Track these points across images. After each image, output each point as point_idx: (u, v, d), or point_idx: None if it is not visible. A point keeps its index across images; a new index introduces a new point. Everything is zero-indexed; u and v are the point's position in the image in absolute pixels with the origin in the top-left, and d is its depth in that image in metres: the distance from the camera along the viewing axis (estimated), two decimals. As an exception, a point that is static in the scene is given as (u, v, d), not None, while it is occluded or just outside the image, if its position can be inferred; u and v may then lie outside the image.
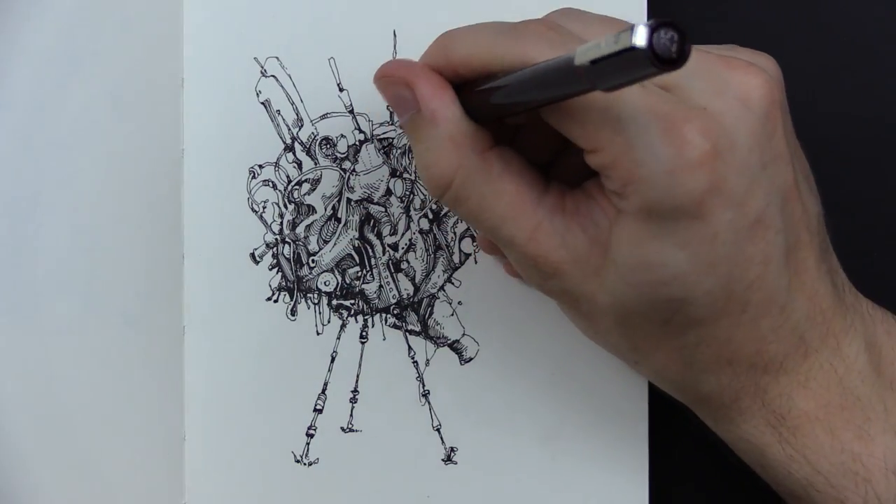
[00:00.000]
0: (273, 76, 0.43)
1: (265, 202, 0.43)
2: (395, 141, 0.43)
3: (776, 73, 0.34)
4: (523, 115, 0.34)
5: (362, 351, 0.43)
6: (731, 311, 0.32)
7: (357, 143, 0.43)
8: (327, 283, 0.43)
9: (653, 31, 0.24)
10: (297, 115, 0.43)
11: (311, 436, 0.43)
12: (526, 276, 0.35)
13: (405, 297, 0.43)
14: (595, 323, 0.35)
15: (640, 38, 0.24)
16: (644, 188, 0.30)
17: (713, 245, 0.31)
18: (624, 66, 0.25)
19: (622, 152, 0.30)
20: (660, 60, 0.24)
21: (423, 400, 0.43)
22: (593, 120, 0.31)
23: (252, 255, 0.43)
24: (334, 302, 0.43)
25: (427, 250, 0.43)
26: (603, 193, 0.33)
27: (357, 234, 0.43)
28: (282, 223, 0.43)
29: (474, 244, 0.43)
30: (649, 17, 0.42)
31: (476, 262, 0.43)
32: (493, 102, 0.33)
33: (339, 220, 0.43)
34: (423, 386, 0.43)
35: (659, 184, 0.30)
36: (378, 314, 0.43)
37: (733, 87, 0.32)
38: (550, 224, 0.33)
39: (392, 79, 0.35)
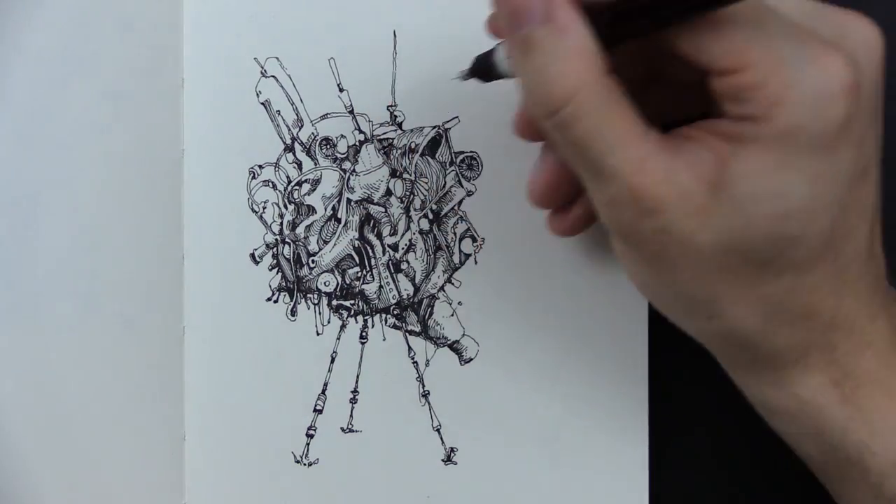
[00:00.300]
0: (273, 76, 0.43)
1: (265, 202, 0.43)
2: (395, 141, 0.43)
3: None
4: (645, 42, 0.33)
5: (362, 351, 0.43)
6: (826, 258, 0.32)
7: (357, 143, 0.43)
8: (327, 284, 0.43)
9: None
10: (297, 115, 0.43)
11: (311, 436, 0.43)
12: (615, 215, 0.33)
13: (405, 297, 0.43)
14: (677, 271, 0.33)
15: None
16: (788, 111, 0.30)
17: (836, 183, 0.31)
18: None
19: (773, 71, 0.30)
20: None
21: (423, 400, 0.43)
22: (743, 36, 0.30)
23: (252, 255, 0.43)
24: (334, 302, 0.43)
25: (427, 251, 0.43)
26: (711, 129, 0.32)
27: (357, 235, 0.43)
28: (282, 223, 0.43)
29: (474, 244, 0.43)
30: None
31: (476, 263, 0.43)
32: (623, 21, 0.32)
33: (339, 221, 0.43)
34: (423, 386, 0.43)
35: (807, 107, 0.30)
36: (378, 314, 0.43)
37: (857, 32, 0.32)
38: (657, 157, 0.32)
39: None
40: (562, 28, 0.32)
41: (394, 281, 0.43)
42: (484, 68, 0.36)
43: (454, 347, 0.43)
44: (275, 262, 0.43)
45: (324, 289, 0.43)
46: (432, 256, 0.43)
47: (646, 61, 0.36)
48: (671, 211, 0.32)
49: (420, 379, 0.43)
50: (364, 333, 0.43)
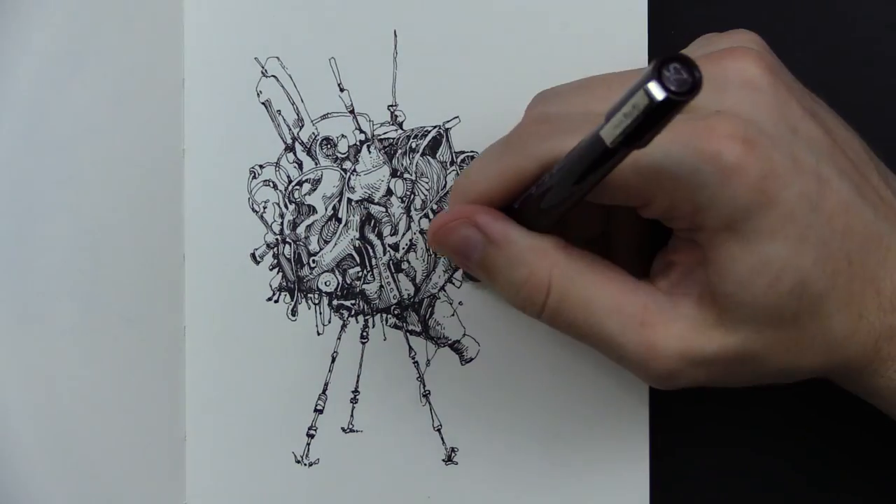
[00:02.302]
0: (274, 76, 0.43)
1: (266, 202, 0.43)
2: (396, 141, 0.43)
3: (759, 42, 0.35)
4: (571, 210, 0.34)
5: (363, 351, 0.43)
6: (840, 268, 0.33)
7: (358, 143, 0.43)
8: (328, 284, 0.43)
9: (659, 75, 0.25)
10: (297, 115, 0.43)
11: (312, 436, 0.43)
12: (640, 375, 0.35)
13: (406, 297, 0.43)
14: (733, 379, 0.34)
15: (656, 91, 0.25)
16: (711, 214, 0.31)
17: (795, 221, 0.31)
18: (651, 120, 0.26)
19: (672, 191, 0.31)
20: (680, 94, 0.25)
21: (424, 400, 0.43)
22: (633, 179, 0.31)
23: (252, 255, 0.43)
24: (335, 302, 0.43)
25: (428, 250, 0.43)
26: (676, 251, 0.33)
27: (358, 235, 0.43)
28: (282, 223, 0.43)
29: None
30: (649, 15, 0.42)
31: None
32: (541, 209, 0.33)
33: (339, 221, 0.43)
34: (424, 386, 0.43)
35: (720, 201, 0.31)
36: (379, 314, 0.43)
37: (731, 78, 0.32)
38: (655, 302, 0.33)
39: (450, 226, 0.35)
40: (505, 238, 0.33)
41: (394, 281, 0.43)
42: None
43: (455, 347, 0.43)
44: (275, 261, 0.43)
45: (324, 288, 0.43)
46: (433, 256, 0.43)
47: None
48: (691, 349, 0.33)
49: (421, 379, 0.43)
50: (365, 333, 0.43)
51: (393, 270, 0.43)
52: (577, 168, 0.30)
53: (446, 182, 0.43)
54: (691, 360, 0.33)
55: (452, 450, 0.43)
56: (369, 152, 0.43)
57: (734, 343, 0.33)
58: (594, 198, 0.32)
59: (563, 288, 0.33)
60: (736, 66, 0.33)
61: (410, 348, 0.43)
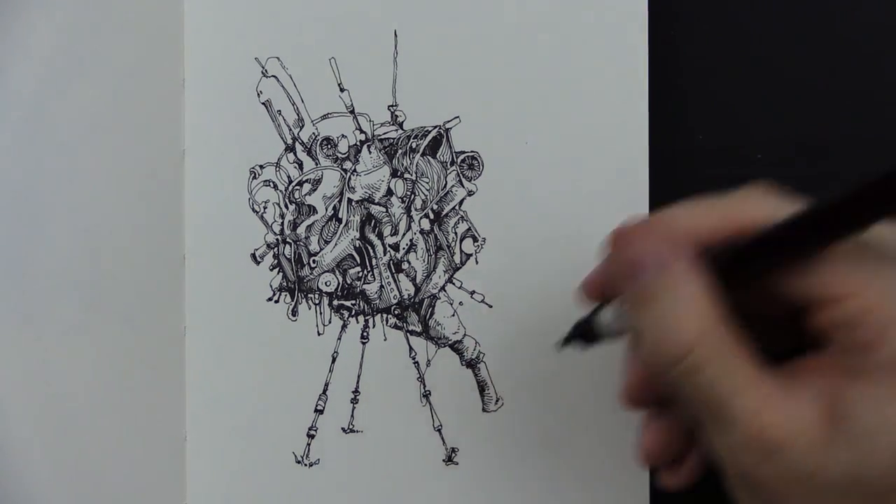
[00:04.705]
0: (274, 76, 0.43)
1: (266, 202, 0.43)
2: (397, 141, 0.43)
3: None
4: (756, 283, 0.33)
5: (363, 351, 0.43)
6: None
7: (358, 143, 0.43)
8: (328, 284, 0.43)
9: None
10: (297, 115, 0.43)
11: (312, 436, 0.43)
12: (736, 460, 0.33)
13: (406, 297, 0.43)
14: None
15: None
16: (887, 344, 0.30)
17: None
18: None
19: (880, 294, 0.30)
20: None
21: (424, 400, 0.43)
22: (846, 264, 0.30)
23: (253, 255, 0.43)
24: (335, 302, 0.43)
25: (428, 251, 0.43)
26: (821, 362, 0.32)
27: (358, 235, 0.43)
28: (283, 223, 0.43)
29: (475, 244, 0.43)
30: (649, 15, 0.42)
31: (477, 263, 0.43)
32: (735, 268, 0.32)
33: (339, 221, 0.43)
34: (424, 386, 0.43)
35: None
36: (379, 314, 0.43)
37: None
38: (776, 398, 0.32)
39: (633, 237, 0.33)
40: (678, 277, 0.32)
41: (395, 281, 0.43)
42: (585, 333, 0.36)
43: (455, 348, 0.43)
44: (276, 262, 0.43)
45: (325, 289, 0.43)
46: (433, 256, 0.43)
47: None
48: (793, 452, 0.32)
49: (421, 379, 0.43)
50: (365, 333, 0.43)
51: (393, 270, 0.43)
52: (813, 217, 0.30)
53: (446, 182, 0.43)
54: (784, 468, 0.32)
55: (453, 450, 0.43)
56: (369, 152, 0.43)
57: (826, 476, 0.31)
58: (794, 279, 0.32)
59: (706, 354, 0.32)
60: None
61: (411, 348, 0.43)
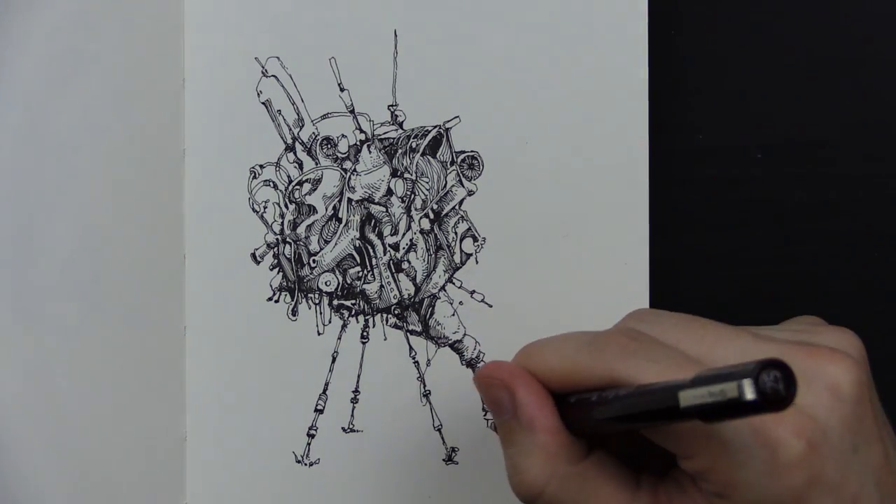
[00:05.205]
0: (274, 76, 0.43)
1: (266, 202, 0.43)
2: (397, 141, 0.43)
3: (860, 352, 0.34)
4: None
5: (363, 351, 0.43)
6: None
7: (358, 143, 0.43)
8: (328, 283, 0.43)
9: (757, 378, 0.25)
10: (297, 114, 0.43)
11: (312, 436, 0.43)
12: None
13: (406, 297, 0.43)
14: None
15: (749, 391, 0.25)
16: (743, 490, 0.31)
17: None
18: (732, 411, 0.26)
19: (718, 457, 0.31)
20: (769, 403, 0.25)
21: (424, 400, 0.43)
22: (686, 433, 0.31)
23: (253, 255, 0.43)
24: (335, 302, 0.43)
25: (428, 250, 0.43)
26: (696, 487, 0.33)
27: (358, 235, 0.43)
28: (282, 223, 0.43)
29: (475, 244, 0.43)
30: (649, 15, 0.42)
31: (477, 263, 0.43)
32: (590, 418, 0.33)
33: (339, 220, 0.43)
34: (424, 386, 0.43)
35: (758, 485, 0.31)
36: (379, 314, 0.43)
37: (820, 378, 0.32)
38: None
39: (492, 381, 0.35)
40: (529, 425, 0.34)
41: (395, 280, 0.43)
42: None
43: (455, 347, 0.43)
44: (276, 261, 0.43)
45: (325, 288, 0.43)
46: (433, 256, 0.43)
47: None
48: None
49: (421, 379, 0.43)
50: (365, 333, 0.43)
51: (393, 270, 0.43)
52: (642, 406, 0.30)
53: (446, 182, 0.43)
54: None
55: (453, 450, 0.43)
56: (369, 152, 0.43)
57: None
58: (649, 432, 0.33)
59: (555, 497, 0.33)
60: (829, 369, 0.32)
61: (411, 348, 0.43)
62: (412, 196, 0.43)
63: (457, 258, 0.43)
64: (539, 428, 0.34)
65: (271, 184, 0.43)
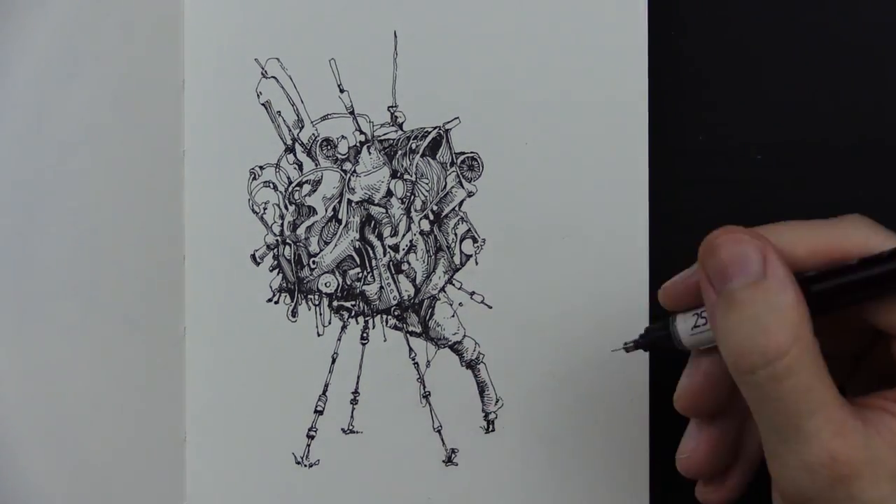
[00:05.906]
0: (274, 77, 0.43)
1: (266, 203, 0.43)
2: (396, 142, 0.43)
3: None
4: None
5: (363, 352, 0.43)
6: None
7: (358, 144, 0.43)
8: (328, 285, 0.43)
9: None
10: (297, 116, 0.43)
11: (312, 437, 0.43)
12: (805, 481, 0.33)
13: (406, 298, 0.43)
14: None
15: None
16: None
17: None
18: None
19: None
20: None
21: (424, 401, 0.43)
22: None
23: (253, 256, 0.43)
24: (335, 303, 0.43)
25: (428, 252, 0.43)
26: (889, 400, 0.33)
27: (358, 236, 0.43)
28: (282, 224, 0.43)
29: (475, 245, 0.43)
30: (649, 15, 0.42)
31: (477, 264, 0.43)
32: (828, 295, 0.33)
33: (339, 222, 0.43)
34: (424, 387, 0.43)
35: None
36: (379, 315, 0.43)
37: None
38: (853, 423, 0.32)
39: (738, 237, 0.33)
40: (782, 283, 0.32)
41: (394, 282, 0.43)
42: (658, 339, 0.36)
43: (455, 348, 0.43)
44: (275, 262, 0.43)
45: (324, 290, 0.43)
46: (433, 257, 0.43)
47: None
48: (865, 477, 0.32)
49: (421, 380, 0.43)
50: (365, 334, 0.43)
51: (393, 271, 0.43)
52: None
53: (446, 183, 0.43)
54: (854, 493, 0.32)
55: (453, 451, 0.43)
56: (369, 153, 0.43)
57: None
58: (882, 310, 0.32)
59: (797, 361, 0.32)
60: None
61: (410, 349, 0.43)
62: (412, 197, 0.43)
63: (457, 259, 0.43)
64: (792, 286, 0.32)
65: (271, 185, 0.43)
